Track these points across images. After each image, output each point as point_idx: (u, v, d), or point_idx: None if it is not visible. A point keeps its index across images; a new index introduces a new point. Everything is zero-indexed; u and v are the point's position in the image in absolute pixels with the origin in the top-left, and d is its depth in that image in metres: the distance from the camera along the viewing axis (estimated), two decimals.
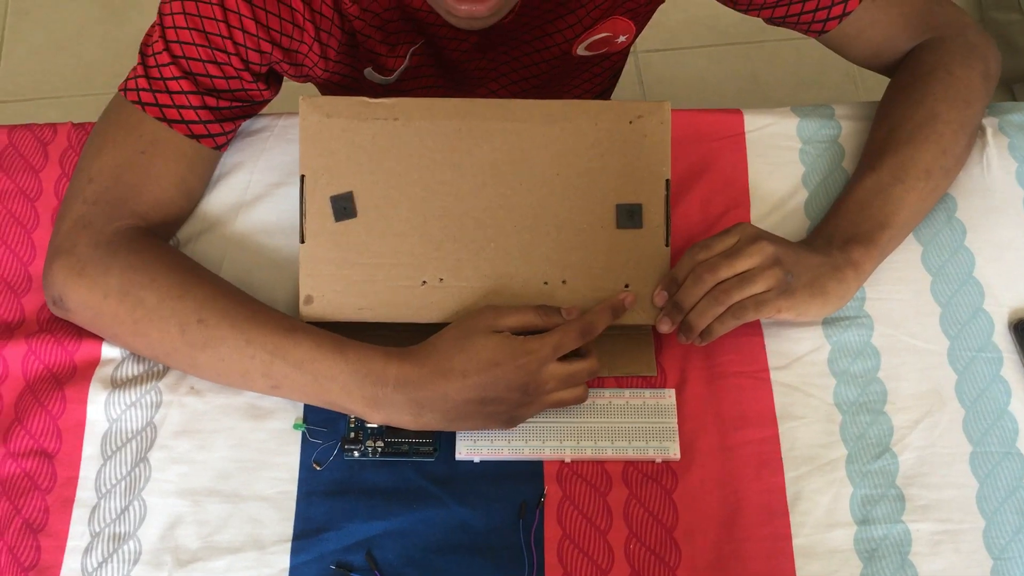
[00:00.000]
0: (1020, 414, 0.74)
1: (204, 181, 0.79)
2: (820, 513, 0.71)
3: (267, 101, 0.80)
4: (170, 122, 0.74)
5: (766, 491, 0.72)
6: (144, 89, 0.74)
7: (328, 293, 0.73)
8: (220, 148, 0.78)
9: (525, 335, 0.69)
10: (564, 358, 0.70)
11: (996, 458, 0.73)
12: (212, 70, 0.73)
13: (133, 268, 0.70)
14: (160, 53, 0.73)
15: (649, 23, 0.90)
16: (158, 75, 0.73)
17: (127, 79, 0.75)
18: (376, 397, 0.68)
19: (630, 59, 1.66)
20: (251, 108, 0.79)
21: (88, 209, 0.73)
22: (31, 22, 1.78)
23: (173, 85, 0.73)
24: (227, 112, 0.76)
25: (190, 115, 0.74)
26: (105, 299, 0.70)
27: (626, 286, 0.73)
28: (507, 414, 0.69)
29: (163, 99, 0.73)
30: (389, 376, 0.67)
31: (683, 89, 1.68)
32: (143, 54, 0.74)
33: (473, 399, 0.68)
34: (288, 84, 0.83)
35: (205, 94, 0.74)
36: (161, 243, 0.74)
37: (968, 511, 0.71)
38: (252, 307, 0.71)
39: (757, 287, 0.70)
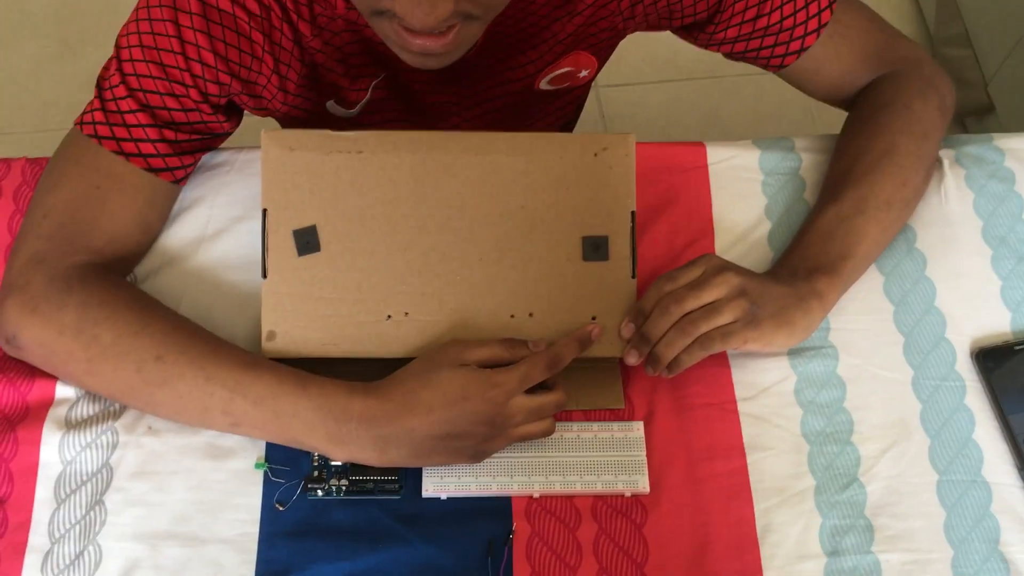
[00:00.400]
0: (984, 442, 0.75)
1: (163, 216, 0.78)
2: (790, 545, 0.71)
3: (227, 134, 0.79)
4: (127, 156, 0.73)
5: (736, 524, 0.71)
6: (100, 123, 0.72)
7: (291, 328, 0.71)
8: (179, 182, 0.77)
9: (492, 368, 0.68)
10: (531, 391, 0.69)
11: (962, 487, 0.73)
12: (170, 102, 0.72)
13: (88, 305, 0.69)
14: (117, 86, 0.72)
15: (611, 58, 0.91)
16: (115, 108, 0.72)
17: (83, 112, 0.74)
18: (339, 434, 0.66)
19: (592, 94, 1.68)
20: (211, 141, 0.78)
21: (42, 245, 0.71)
22: None
23: (130, 118, 0.72)
24: (186, 145, 0.75)
25: (148, 148, 0.73)
26: (60, 336, 0.69)
27: (593, 318, 0.73)
28: (474, 448, 0.68)
29: (120, 132, 0.72)
30: (353, 412, 0.66)
31: (644, 123, 1.69)
32: (100, 87, 0.73)
33: (439, 434, 0.67)
34: (249, 117, 0.82)
35: (163, 127, 0.73)
36: (117, 279, 0.73)
37: (936, 540, 0.71)
38: (212, 343, 0.69)
39: (723, 318, 0.70)
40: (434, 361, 0.68)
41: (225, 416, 0.68)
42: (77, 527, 0.69)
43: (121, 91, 0.71)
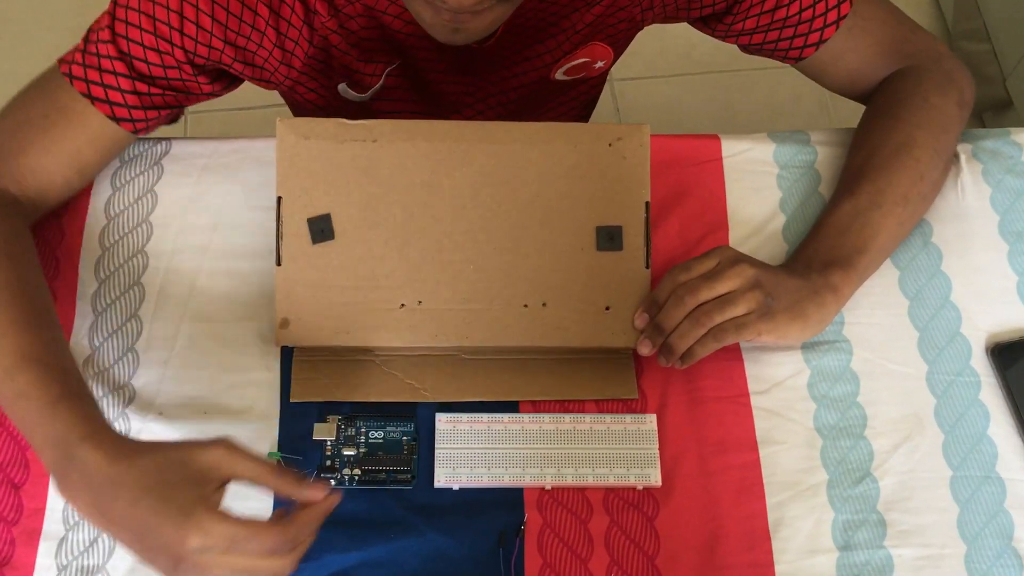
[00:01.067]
0: (999, 438, 0.75)
1: (104, 160, 0.78)
2: (802, 539, 0.70)
3: (208, 95, 0.78)
4: (93, 99, 0.73)
5: (748, 517, 0.71)
6: (77, 63, 0.73)
7: (305, 316, 0.71)
8: (137, 133, 0.77)
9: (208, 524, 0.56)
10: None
11: (976, 482, 0.73)
12: (151, 56, 0.72)
13: None
14: (103, 29, 0.72)
15: (626, 51, 0.91)
16: (95, 51, 0.72)
17: (68, 52, 0.74)
18: (62, 471, 0.59)
19: (606, 87, 1.67)
20: (185, 99, 0.77)
21: None
22: (3, 48, 1.77)
23: (106, 64, 0.72)
24: (157, 99, 0.75)
25: (115, 96, 0.73)
26: None
27: (607, 308, 0.73)
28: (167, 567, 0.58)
29: (92, 75, 0.72)
30: (79, 455, 0.58)
31: (658, 117, 1.69)
32: (89, 30, 0.74)
33: (133, 534, 0.58)
34: (262, 106, 0.82)
35: (137, 79, 0.73)
36: (6, 215, 0.71)
37: (949, 536, 0.71)
38: (27, 315, 0.65)
39: (738, 309, 0.70)
40: (182, 462, 0.57)
41: None
42: None
43: (106, 35, 0.72)
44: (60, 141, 0.74)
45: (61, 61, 0.74)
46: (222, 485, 0.58)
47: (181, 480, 0.56)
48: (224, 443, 0.58)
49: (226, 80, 0.78)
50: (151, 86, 0.73)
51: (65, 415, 0.60)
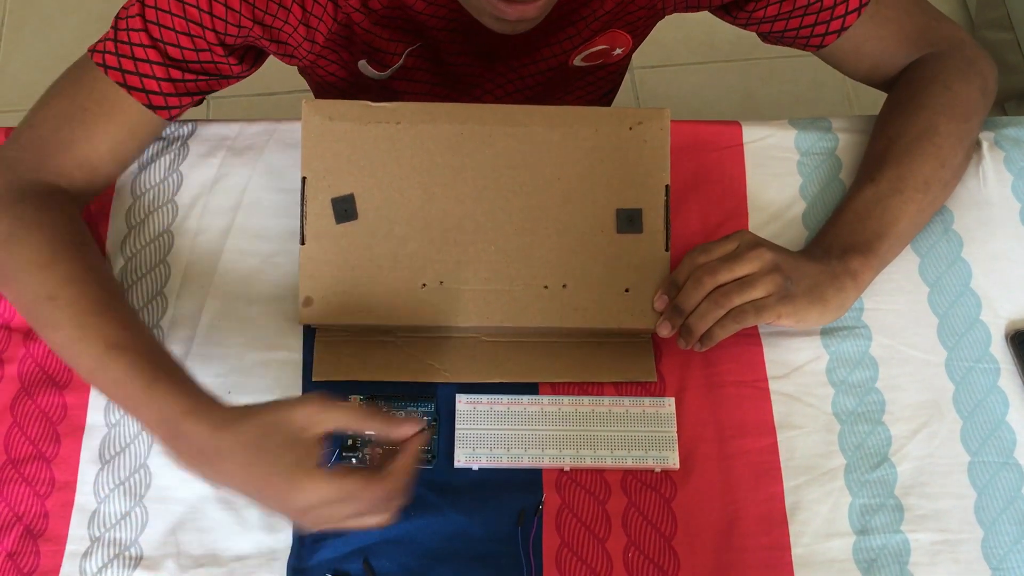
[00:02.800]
0: (1017, 424, 0.75)
1: (142, 148, 0.78)
2: (819, 523, 0.71)
3: (237, 77, 0.78)
4: (129, 88, 0.73)
5: (765, 500, 0.71)
6: (110, 52, 0.73)
7: (328, 295, 0.72)
8: (172, 119, 0.77)
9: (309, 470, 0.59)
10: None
11: (994, 468, 0.73)
12: (184, 41, 0.72)
13: (21, 220, 0.69)
14: (133, 17, 0.72)
15: (646, 40, 0.91)
16: (127, 39, 0.73)
17: (97, 41, 0.74)
18: (172, 445, 0.62)
19: (627, 75, 1.67)
20: (216, 83, 0.78)
21: (17, 153, 0.73)
22: (27, 35, 1.78)
23: (139, 52, 0.73)
24: (191, 86, 0.75)
25: (151, 85, 0.74)
26: None
27: (626, 290, 0.73)
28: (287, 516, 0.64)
29: (127, 64, 0.73)
30: (183, 429, 0.61)
31: (679, 105, 1.69)
32: (118, 16, 0.74)
33: (245, 493, 0.61)
34: (287, 92, 0.83)
35: (170, 66, 0.73)
36: (64, 208, 0.72)
37: (966, 521, 0.71)
38: (104, 302, 0.67)
39: (757, 292, 0.70)
40: (277, 422, 0.60)
41: (90, 379, 0.67)
42: (121, 487, 0.71)
43: (137, 23, 0.72)
44: (101, 133, 0.74)
45: (93, 51, 0.74)
46: (320, 439, 0.60)
47: (281, 443, 0.59)
48: (314, 399, 0.60)
49: (252, 58, 0.79)
50: (184, 71, 0.74)
51: (162, 395, 0.62)
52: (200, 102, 0.79)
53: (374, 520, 0.62)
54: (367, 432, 0.63)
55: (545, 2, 0.67)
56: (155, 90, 0.74)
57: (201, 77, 0.75)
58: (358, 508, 0.60)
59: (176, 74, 0.74)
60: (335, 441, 0.72)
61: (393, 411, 0.64)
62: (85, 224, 0.73)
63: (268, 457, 0.59)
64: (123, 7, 0.74)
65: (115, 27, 0.74)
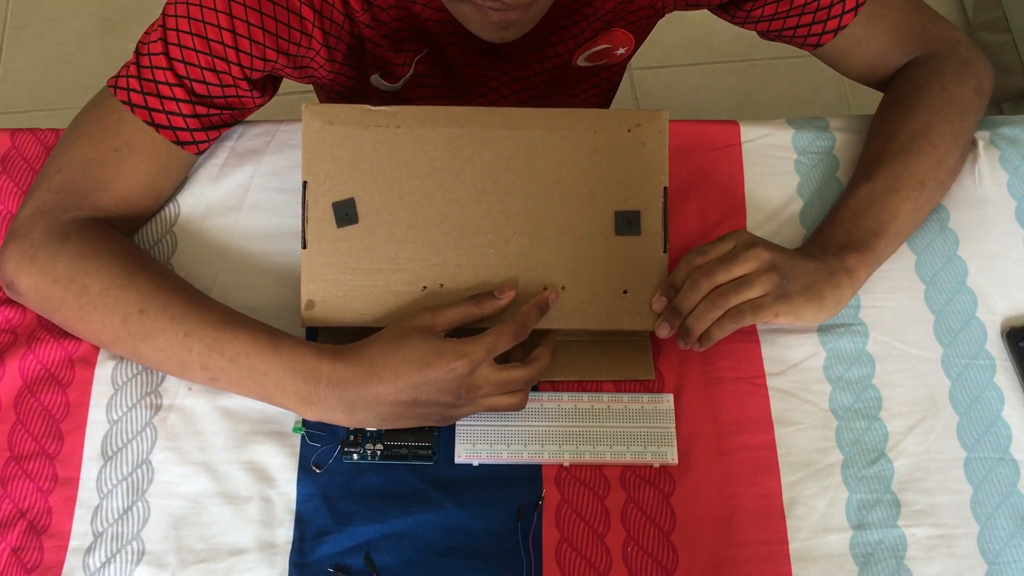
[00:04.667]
0: (1013, 420, 0.75)
1: (175, 183, 0.80)
2: (816, 518, 0.72)
3: (258, 107, 0.80)
4: (157, 127, 0.74)
5: (763, 496, 0.72)
6: (135, 90, 0.73)
7: (329, 298, 0.73)
8: (201, 153, 0.79)
9: (468, 332, 0.68)
10: (504, 359, 0.70)
11: (990, 464, 0.74)
12: (209, 77, 0.73)
13: (81, 256, 0.71)
14: (157, 55, 0.72)
15: (645, 41, 0.92)
16: (151, 77, 0.73)
17: (118, 75, 0.75)
18: (308, 394, 0.68)
19: (626, 76, 1.68)
20: (240, 115, 0.79)
21: (50, 197, 0.73)
22: (30, 35, 1.79)
23: (165, 90, 0.73)
24: (216, 119, 0.77)
25: (178, 122, 0.74)
26: (54, 284, 0.71)
27: (625, 291, 0.74)
28: (440, 414, 0.69)
29: (153, 103, 0.73)
30: (322, 374, 0.67)
31: (677, 106, 1.69)
32: (139, 52, 0.74)
33: (404, 400, 0.67)
34: (289, 95, 0.83)
35: (197, 103, 0.74)
36: (113, 233, 0.74)
37: (963, 516, 0.72)
38: (194, 299, 0.71)
39: (754, 291, 0.71)
40: (405, 328, 0.68)
41: (204, 371, 0.70)
42: (124, 483, 0.71)
43: (161, 61, 0.72)
44: (134, 172, 0.75)
45: (116, 88, 0.74)
46: (442, 334, 0.68)
47: (415, 339, 0.67)
48: (424, 312, 0.69)
49: (271, 87, 0.80)
50: (210, 107, 0.75)
51: (288, 354, 0.68)
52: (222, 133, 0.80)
53: (510, 400, 0.70)
54: (475, 321, 0.71)
55: (531, 16, 0.68)
56: (182, 127, 0.75)
57: (225, 111, 0.76)
58: (503, 371, 0.68)
59: (202, 110, 0.74)
60: (336, 438, 0.73)
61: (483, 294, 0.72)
62: (133, 241, 0.76)
63: (411, 350, 0.66)
64: (143, 38, 0.74)
65: (138, 63, 0.74)
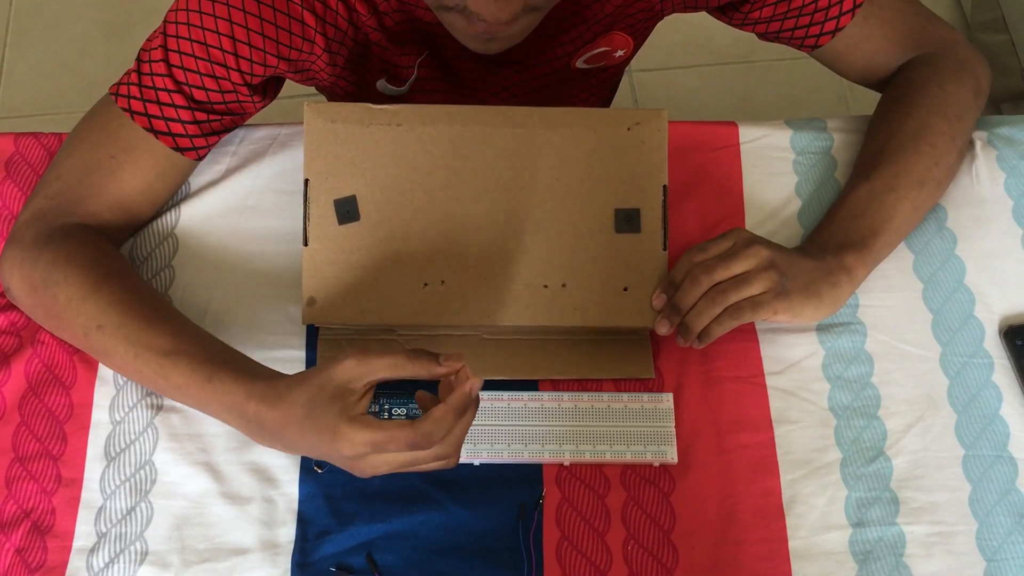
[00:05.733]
0: (1011, 418, 0.76)
1: (173, 189, 0.80)
2: (815, 516, 0.72)
3: (259, 111, 0.80)
4: (156, 133, 0.74)
5: (762, 494, 0.72)
6: (135, 97, 0.74)
7: (331, 295, 0.73)
8: (200, 159, 0.79)
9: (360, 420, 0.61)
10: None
11: (988, 461, 0.74)
12: (208, 83, 0.73)
13: (55, 262, 0.71)
14: (157, 62, 0.73)
15: (644, 43, 0.92)
16: (151, 84, 0.73)
17: (119, 82, 0.75)
18: (245, 428, 0.66)
19: (625, 78, 1.68)
20: (240, 119, 0.79)
21: (46, 203, 0.74)
22: (33, 39, 1.80)
23: (164, 97, 0.73)
24: (215, 126, 0.77)
25: (177, 128, 0.75)
26: (33, 290, 0.72)
27: (625, 289, 0.74)
28: (359, 469, 0.64)
29: (152, 109, 0.74)
30: (248, 413, 0.65)
31: (677, 108, 1.70)
32: (140, 59, 0.74)
33: (319, 453, 0.64)
34: (288, 96, 0.84)
35: (196, 109, 0.74)
36: (91, 239, 0.74)
37: (961, 513, 0.72)
38: (148, 318, 0.69)
39: (753, 289, 0.71)
40: (322, 382, 0.62)
41: (161, 390, 0.70)
42: (127, 484, 0.72)
43: (161, 68, 0.73)
44: (130, 178, 0.75)
45: (116, 95, 0.75)
46: (366, 392, 0.62)
47: (325, 401, 0.61)
48: (352, 355, 0.62)
49: (272, 90, 0.80)
50: (209, 114, 0.75)
51: (222, 387, 0.66)
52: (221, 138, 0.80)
53: (434, 464, 0.63)
54: (407, 377, 0.63)
55: (517, 31, 0.68)
56: (181, 132, 0.75)
57: (225, 117, 0.76)
58: (405, 454, 0.61)
59: (201, 116, 0.75)
60: None
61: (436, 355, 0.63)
62: (121, 255, 0.75)
63: (317, 414, 0.62)
64: (145, 45, 0.75)
65: (138, 70, 0.74)
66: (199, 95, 0.74)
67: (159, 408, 0.74)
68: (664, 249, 0.75)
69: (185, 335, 0.69)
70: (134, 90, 0.74)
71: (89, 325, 0.69)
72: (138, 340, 0.68)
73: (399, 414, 0.74)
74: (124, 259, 0.75)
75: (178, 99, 0.73)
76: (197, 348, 0.68)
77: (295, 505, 0.71)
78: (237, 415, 0.66)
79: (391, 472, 0.63)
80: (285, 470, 0.72)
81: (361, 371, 0.61)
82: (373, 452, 0.61)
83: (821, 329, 0.79)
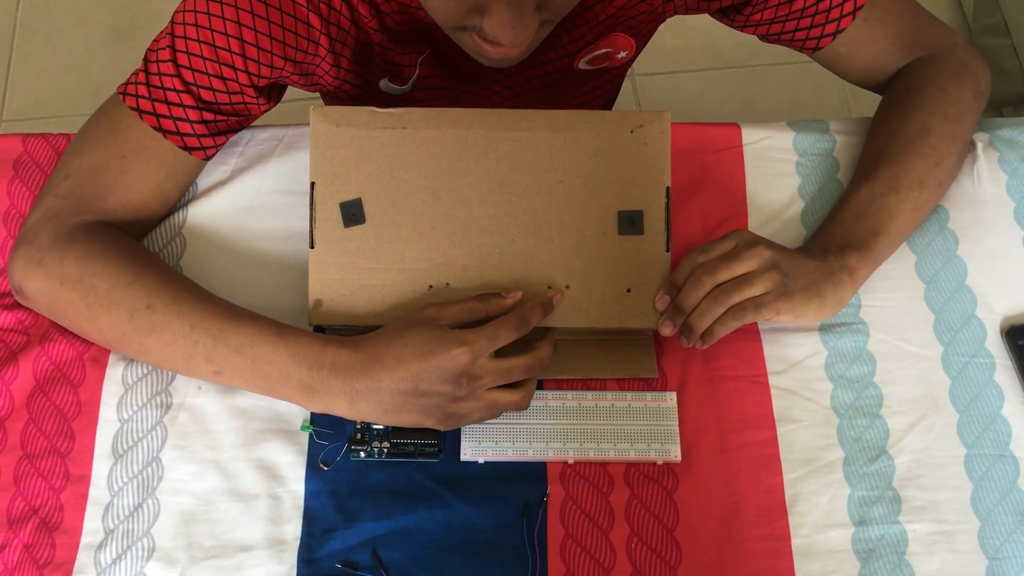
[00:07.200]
0: (1012, 418, 0.76)
1: (183, 188, 0.81)
2: (818, 514, 0.72)
3: (263, 113, 0.81)
4: (165, 132, 0.75)
5: (765, 492, 0.73)
6: (143, 96, 0.75)
7: (337, 297, 0.74)
8: (208, 159, 0.80)
9: (471, 326, 0.70)
10: (505, 355, 0.70)
11: (990, 460, 0.75)
12: (216, 84, 0.74)
13: (87, 256, 0.72)
14: (165, 62, 0.73)
15: (647, 47, 0.93)
16: (159, 84, 0.74)
17: (127, 82, 0.76)
18: (312, 381, 0.68)
19: (628, 82, 1.69)
20: (247, 120, 0.80)
21: (58, 203, 0.75)
22: (39, 43, 1.81)
23: (173, 96, 0.74)
24: (222, 126, 0.77)
25: (185, 128, 0.75)
26: (60, 286, 0.72)
27: (628, 290, 0.75)
28: (441, 409, 0.69)
29: (161, 109, 0.74)
30: (325, 360, 0.68)
31: (679, 111, 1.69)
32: (147, 59, 0.75)
33: (405, 389, 0.68)
34: (293, 100, 0.84)
35: (204, 109, 0.75)
36: (119, 235, 0.75)
37: (963, 512, 0.73)
38: (200, 295, 0.72)
39: (756, 289, 0.72)
40: (409, 320, 0.70)
41: (208, 364, 0.70)
42: (135, 481, 0.72)
43: (169, 68, 0.73)
44: (140, 178, 0.76)
45: (125, 94, 0.76)
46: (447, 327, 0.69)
47: (418, 327, 0.69)
48: (430, 306, 0.71)
49: (276, 94, 0.81)
50: (216, 114, 0.76)
51: (293, 342, 0.69)
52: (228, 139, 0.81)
53: (514, 396, 0.71)
54: (480, 317, 0.71)
55: (527, 47, 0.69)
56: (189, 132, 0.76)
57: (232, 117, 0.77)
58: (501, 392, 0.70)
59: (209, 116, 0.75)
60: (343, 436, 0.74)
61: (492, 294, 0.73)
62: (139, 244, 0.77)
63: (420, 346, 0.67)
64: (152, 45, 0.76)
65: (146, 70, 0.75)
66: (207, 95, 0.74)
67: (168, 407, 0.75)
68: (667, 250, 0.75)
69: (239, 307, 0.72)
70: (142, 90, 0.74)
71: (136, 306, 0.70)
72: (192, 312, 0.70)
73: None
74: (145, 248, 0.77)
75: (186, 99, 0.74)
76: (256, 314, 0.71)
77: (301, 502, 0.72)
78: (309, 366, 0.68)
79: (495, 390, 0.70)
80: (291, 467, 0.73)
81: (440, 313, 0.70)
82: (486, 351, 0.68)
83: (823, 329, 0.79)
